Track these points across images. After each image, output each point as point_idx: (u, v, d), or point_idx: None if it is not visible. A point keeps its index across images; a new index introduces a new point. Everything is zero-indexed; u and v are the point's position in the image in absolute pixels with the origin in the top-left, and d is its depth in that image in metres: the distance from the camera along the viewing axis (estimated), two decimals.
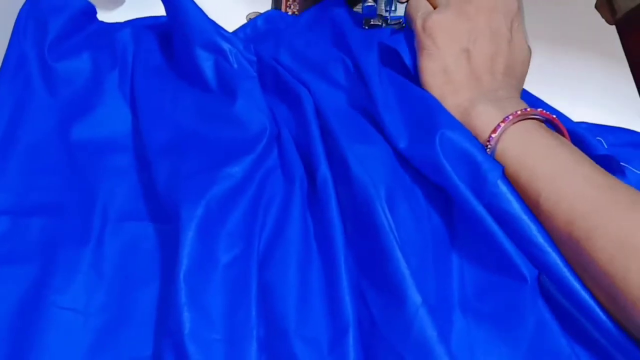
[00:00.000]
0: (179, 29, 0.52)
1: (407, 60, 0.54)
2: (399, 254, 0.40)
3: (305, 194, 0.47)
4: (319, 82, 0.52)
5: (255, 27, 0.60)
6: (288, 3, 0.63)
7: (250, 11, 0.63)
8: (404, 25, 0.60)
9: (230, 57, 0.51)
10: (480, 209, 0.41)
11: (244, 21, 0.62)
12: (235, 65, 0.51)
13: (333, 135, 0.47)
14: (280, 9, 0.63)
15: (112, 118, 0.52)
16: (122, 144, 0.51)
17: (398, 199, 0.43)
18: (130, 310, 0.44)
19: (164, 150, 0.48)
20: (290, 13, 0.63)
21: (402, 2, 0.60)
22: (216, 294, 0.41)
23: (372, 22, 0.60)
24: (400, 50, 0.55)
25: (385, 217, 0.41)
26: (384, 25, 0.60)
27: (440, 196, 0.45)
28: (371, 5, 0.58)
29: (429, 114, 0.46)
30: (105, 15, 0.61)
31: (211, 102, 0.51)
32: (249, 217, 0.45)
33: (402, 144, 0.47)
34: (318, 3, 0.61)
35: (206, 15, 0.53)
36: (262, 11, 0.63)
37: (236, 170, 0.45)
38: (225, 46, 0.51)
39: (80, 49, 0.55)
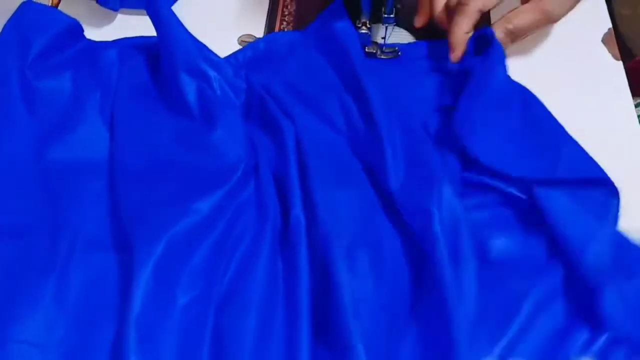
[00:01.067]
0: (166, 51, 0.51)
1: (413, 91, 0.53)
2: (350, 313, 0.37)
3: (277, 234, 0.45)
4: (309, 116, 0.51)
5: (257, 49, 0.58)
6: (282, 27, 0.62)
7: (243, 33, 0.61)
8: (399, 53, 0.58)
9: (214, 83, 0.50)
10: (449, 284, 0.39)
11: (236, 44, 0.60)
12: (219, 92, 0.49)
13: (310, 175, 0.45)
14: (274, 31, 0.61)
15: (89, 141, 0.50)
16: (98, 168, 0.49)
17: (361, 252, 0.41)
18: (88, 346, 0.42)
19: (136, 178, 0.47)
20: None
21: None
22: (169, 337, 0.39)
23: (367, 50, 0.58)
24: (402, 81, 0.54)
25: (342, 271, 0.39)
26: (378, 53, 0.58)
27: (411, 252, 0.43)
28: (364, 33, 0.56)
29: (428, 162, 0.45)
30: (95, 33, 0.60)
31: (190, 129, 0.49)
32: (214, 256, 0.43)
33: (394, 184, 0.45)
34: (317, 19, 0.59)
35: (194, 38, 0.52)
36: (255, 34, 0.61)
37: (204, 206, 0.44)
38: (210, 72, 0.50)
39: (63, 68, 0.54)
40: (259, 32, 0.61)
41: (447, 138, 0.49)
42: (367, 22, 0.56)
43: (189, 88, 0.50)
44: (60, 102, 0.52)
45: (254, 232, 0.44)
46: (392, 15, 0.55)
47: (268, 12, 0.63)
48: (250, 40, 0.61)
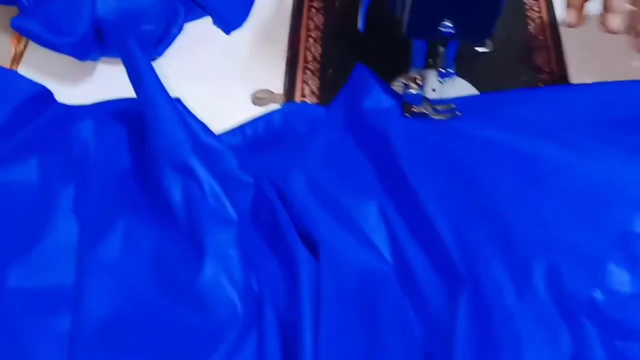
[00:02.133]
0: (148, 132, 0.39)
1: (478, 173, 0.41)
2: None
3: None
4: (340, 235, 0.38)
5: (270, 125, 0.45)
6: (304, 78, 0.49)
7: (259, 88, 0.48)
8: (457, 112, 0.45)
9: (205, 186, 0.37)
10: None
11: (248, 100, 0.48)
12: (210, 200, 0.37)
13: (326, 337, 0.33)
14: (295, 85, 0.48)
15: (56, 260, 0.38)
16: (64, 300, 0.37)
17: None
18: None
19: (103, 329, 0.35)
20: (308, 94, 0.48)
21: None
22: None
23: (414, 109, 0.45)
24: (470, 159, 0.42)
25: None
26: (430, 112, 0.45)
27: None
28: (416, 94, 0.43)
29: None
30: (70, 91, 0.47)
31: (173, 252, 0.37)
32: None
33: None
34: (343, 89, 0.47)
35: (183, 114, 0.39)
36: (272, 89, 0.48)
37: None
38: (200, 170, 0.37)
39: (27, 151, 0.42)
40: (276, 85, 0.49)
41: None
42: (418, 76, 0.43)
43: (175, 188, 0.38)
44: (24, 202, 0.40)
45: None
46: (451, 70, 0.43)
47: (287, 59, 0.50)
48: (267, 97, 0.48)
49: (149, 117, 0.38)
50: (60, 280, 0.37)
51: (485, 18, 0.37)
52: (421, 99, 0.44)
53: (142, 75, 0.38)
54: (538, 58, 0.49)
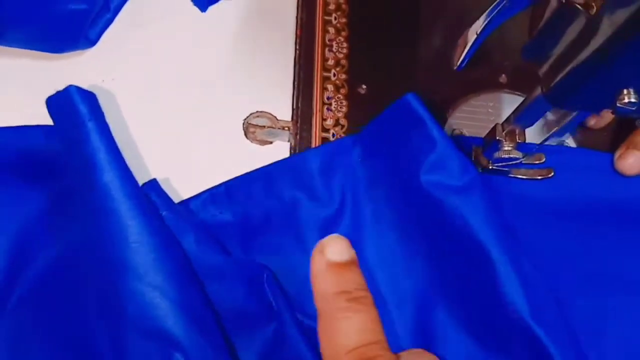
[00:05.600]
0: (98, 251, 0.22)
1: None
2: None
3: None
4: None
5: (282, 198, 0.29)
6: (325, 95, 0.32)
7: (254, 110, 0.31)
8: (550, 171, 0.31)
9: None
10: None
11: (239, 131, 0.31)
12: None
13: None
14: (311, 109, 0.32)
15: None
16: None
17: None
18: None
19: None
20: (331, 124, 0.32)
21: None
22: None
23: (485, 164, 0.31)
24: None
25: None
26: (508, 169, 0.31)
27: None
28: (511, 157, 0.29)
29: None
30: None
31: None
32: None
33: None
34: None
35: (160, 218, 0.23)
36: (274, 112, 0.31)
37: None
38: (190, 338, 0.22)
39: None
40: (282, 106, 0.32)
41: None
42: (520, 133, 0.28)
43: None
44: None
45: None
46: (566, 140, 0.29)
47: (297, 63, 0.33)
48: (266, 127, 0.31)
49: (96, 231, 0.21)
50: None
51: None
52: (519, 163, 0.29)
53: (95, 155, 0.21)
54: None
